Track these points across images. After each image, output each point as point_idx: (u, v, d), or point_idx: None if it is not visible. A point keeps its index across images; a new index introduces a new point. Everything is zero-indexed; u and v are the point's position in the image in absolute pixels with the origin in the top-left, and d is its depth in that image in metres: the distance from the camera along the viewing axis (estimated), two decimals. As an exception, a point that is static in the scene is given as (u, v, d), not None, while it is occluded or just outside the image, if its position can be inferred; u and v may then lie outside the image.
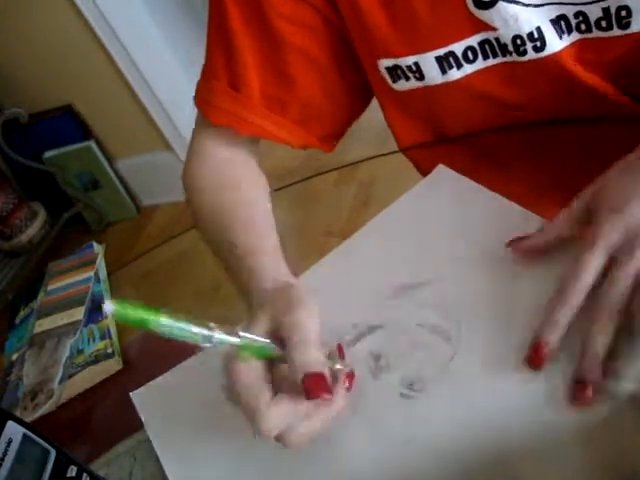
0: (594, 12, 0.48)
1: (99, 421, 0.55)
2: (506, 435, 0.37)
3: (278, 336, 0.39)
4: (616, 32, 0.49)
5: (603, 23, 0.49)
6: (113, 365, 0.57)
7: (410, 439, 0.39)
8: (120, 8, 1.76)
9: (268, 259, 0.49)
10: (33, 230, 2.02)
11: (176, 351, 0.59)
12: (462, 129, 0.61)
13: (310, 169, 0.68)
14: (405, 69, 0.55)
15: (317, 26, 0.56)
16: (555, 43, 0.51)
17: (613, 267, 0.38)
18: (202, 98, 0.60)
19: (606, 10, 0.48)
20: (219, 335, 0.36)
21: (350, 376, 0.41)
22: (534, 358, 0.39)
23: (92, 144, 2.03)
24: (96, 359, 0.57)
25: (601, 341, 0.36)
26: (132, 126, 2.00)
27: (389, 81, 0.57)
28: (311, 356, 0.37)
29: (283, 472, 0.41)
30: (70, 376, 0.56)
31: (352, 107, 0.64)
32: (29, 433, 0.36)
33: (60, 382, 0.55)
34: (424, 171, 0.67)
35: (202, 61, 0.61)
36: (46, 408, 0.54)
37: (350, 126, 0.66)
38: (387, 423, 0.41)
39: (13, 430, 0.35)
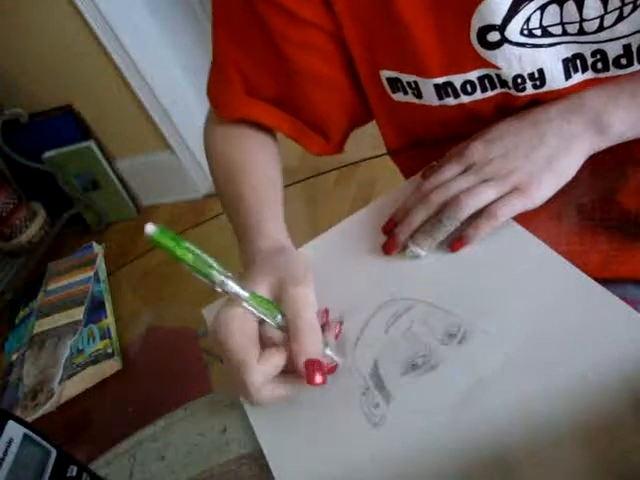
0: (614, 50, 0.48)
1: (99, 421, 0.55)
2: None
3: (277, 303, 0.43)
4: (636, 67, 0.48)
5: (623, 60, 0.48)
6: (113, 365, 0.57)
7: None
8: (120, 8, 1.76)
9: (271, 220, 0.52)
10: (33, 230, 2.02)
11: (176, 351, 0.59)
12: (448, 141, 0.61)
13: (310, 169, 0.68)
14: (405, 84, 0.55)
15: (326, 47, 0.56)
16: (558, 82, 0.50)
17: (461, 174, 0.50)
18: (216, 100, 0.64)
19: (627, 47, 0.47)
20: (232, 284, 0.40)
21: (332, 369, 0.44)
22: (388, 246, 0.51)
23: (92, 144, 2.03)
24: (96, 359, 0.57)
25: (420, 214, 0.49)
26: (132, 126, 2.00)
27: (388, 90, 0.57)
28: (315, 344, 0.41)
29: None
30: (70, 376, 0.56)
31: (366, 115, 0.65)
32: (30, 433, 0.36)
33: (60, 382, 0.55)
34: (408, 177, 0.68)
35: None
36: (46, 408, 0.54)
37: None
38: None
39: (14, 430, 0.35)
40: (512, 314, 0.43)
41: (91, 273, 0.67)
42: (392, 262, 0.51)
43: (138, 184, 2.19)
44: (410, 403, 0.41)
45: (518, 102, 0.53)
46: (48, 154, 2.06)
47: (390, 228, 0.53)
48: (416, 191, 0.52)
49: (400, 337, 0.45)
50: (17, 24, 1.82)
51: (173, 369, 0.57)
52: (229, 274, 0.40)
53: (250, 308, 0.42)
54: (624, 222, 0.47)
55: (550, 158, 0.47)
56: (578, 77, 0.50)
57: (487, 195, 0.47)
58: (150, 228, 0.37)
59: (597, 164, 0.48)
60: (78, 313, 0.62)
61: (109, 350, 0.57)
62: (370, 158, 0.69)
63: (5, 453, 0.34)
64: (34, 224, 2.03)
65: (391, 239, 0.51)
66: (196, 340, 0.58)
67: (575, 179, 0.48)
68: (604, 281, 0.42)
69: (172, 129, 1.98)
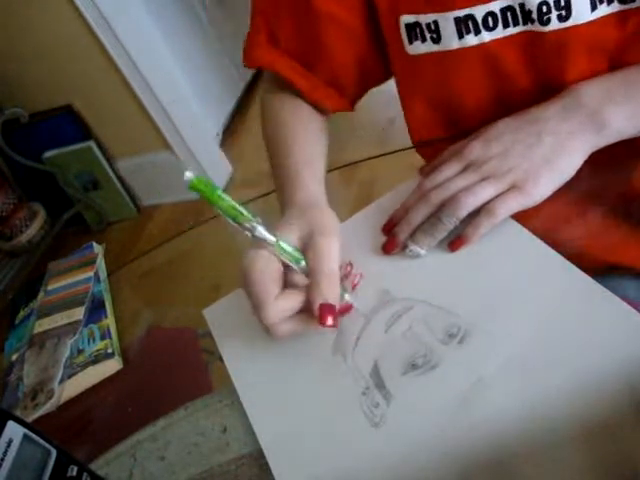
0: None
1: (99, 421, 0.55)
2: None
3: (303, 251, 0.46)
4: None
5: None
6: (113, 365, 0.57)
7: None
8: (120, 8, 1.76)
9: (310, 177, 0.55)
10: (33, 230, 2.02)
11: (176, 351, 0.59)
12: (470, 110, 0.61)
13: (310, 169, 0.68)
14: (424, 27, 0.54)
15: None
16: (584, 14, 0.49)
17: (460, 173, 0.50)
18: (245, 48, 0.66)
19: None
20: (261, 229, 0.44)
21: (348, 308, 0.47)
22: (388, 246, 0.52)
23: (92, 144, 2.03)
24: (96, 359, 0.57)
25: (420, 213, 0.50)
26: (132, 126, 2.00)
27: (405, 42, 0.57)
28: (332, 290, 0.44)
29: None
30: (70, 376, 0.56)
31: (380, 73, 0.65)
32: (30, 433, 0.36)
33: (60, 382, 0.55)
34: None
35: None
36: (46, 408, 0.54)
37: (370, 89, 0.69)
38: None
39: (14, 430, 0.35)
40: (512, 314, 0.43)
41: (91, 273, 0.67)
42: (392, 262, 0.51)
43: (138, 184, 2.19)
44: (410, 403, 0.41)
45: (541, 44, 0.52)
46: (48, 154, 2.06)
47: (390, 228, 0.53)
48: (415, 190, 0.52)
49: (400, 337, 0.45)
50: (17, 24, 1.81)
51: (173, 369, 0.57)
52: (258, 220, 0.44)
53: (275, 252, 0.45)
54: (633, 209, 0.48)
55: (548, 156, 0.47)
56: (604, 9, 0.49)
57: (485, 193, 0.47)
58: (189, 174, 0.42)
59: (608, 152, 0.48)
60: (78, 313, 0.62)
61: (109, 350, 0.57)
62: (370, 158, 0.69)
63: (5, 453, 0.34)
64: (34, 224, 2.03)
65: (391, 239, 0.52)
66: (196, 340, 0.58)
67: (584, 167, 0.47)
68: (608, 268, 0.42)
69: (172, 129, 1.98)
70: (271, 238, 0.44)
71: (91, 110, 2.00)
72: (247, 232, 0.44)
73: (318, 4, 0.57)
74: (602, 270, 0.43)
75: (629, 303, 0.39)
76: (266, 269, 0.44)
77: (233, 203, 0.44)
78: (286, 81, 0.64)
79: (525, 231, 0.48)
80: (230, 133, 2.30)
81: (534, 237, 0.47)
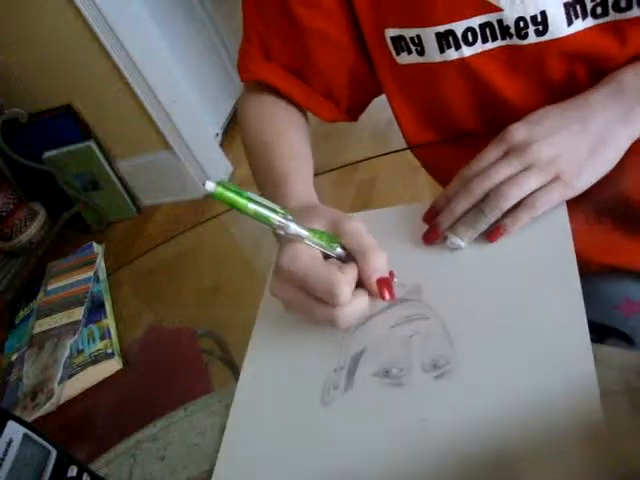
0: None
1: (99, 421, 0.55)
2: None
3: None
4: (635, 11, 0.47)
5: (622, 3, 0.47)
6: (113, 365, 0.57)
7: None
8: (120, 8, 1.76)
9: (300, 184, 0.53)
10: (33, 230, 2.02)
11: (176, 351, 0.59)
12: (459, 116, 0.61)
13: (310, 169, 0.68)
14: (408, 40, 0.55)
15: (333, 8, 0.57)
16: (560, 28, 0.49)
17: (502, 159, 0.47)
18: (239, 60, 0.66)
19: None
20: (294, 226, 0.42)
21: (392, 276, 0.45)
22: (429, 237, 0.50)
23: (92, 144, 2.03)
24: (96, 359, 0.57)
25: (462, 204, 0.48)
26: (132, 126, 2.00)
27: (393, 53, 0.57)
28: (383, 262, 0.42)
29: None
30: (70, 376, 0.56)
31: (375, 85, 0.64)
32: (30, 433, 0.36)
33: (60, 382, 0.55)
34: (432, 170, 0.67)
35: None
36: (46, 408, 0.54)
37: (371, 101, 0.68)
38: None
39: (14, 430, 0.35)
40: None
41: (91, 273, 0.67)
42: (429, 254, 0.50)
43: (138, 184, 2.19)
44: (360, 404, 0.41)
45: (521, 56, 0.52)
46: (48, 154, 2.06)
47: (431, 216, 0.51)
48: (457, 178, 0.50)
49: (397, 340, 0.44)
50: (17, 24, 1.82)
51: (173, 369, 0.57)
52: (289, 217, 0.42)
53: (311, 244, 0.43)
54: (629, 210, 0.47)
55: (593, 145, 0.46)
56: (579, 24, 0.49)
57: (530, 185, 0.46)
58: (210, 185, 0.38)
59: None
60: (78, 313, 0.62)
61: (109, 350, 0.57)
62: (370, 158, 0.69)
63: (5, 453, 0.34)
64: (34, 224, 2.04)
65: (433, 229, 0.50)
66: (196, 340, 0.58)
67: None
68: (607, 269, 0.42)
69: (172, 129, 1.99)
70: (304, 232, 0.43)
71: (91, 110, 2.00)
72: (280, 231, 0.42)
73: (304, 21, 0.58)
74: (601, 271, 0.43)
75: (629, 303, 0.39)
76: (314, 258, 0.43)
77: (266, 202, 0.42)
78: (282, 93, 0.63)
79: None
80: (230, 133, 2.31)
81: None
